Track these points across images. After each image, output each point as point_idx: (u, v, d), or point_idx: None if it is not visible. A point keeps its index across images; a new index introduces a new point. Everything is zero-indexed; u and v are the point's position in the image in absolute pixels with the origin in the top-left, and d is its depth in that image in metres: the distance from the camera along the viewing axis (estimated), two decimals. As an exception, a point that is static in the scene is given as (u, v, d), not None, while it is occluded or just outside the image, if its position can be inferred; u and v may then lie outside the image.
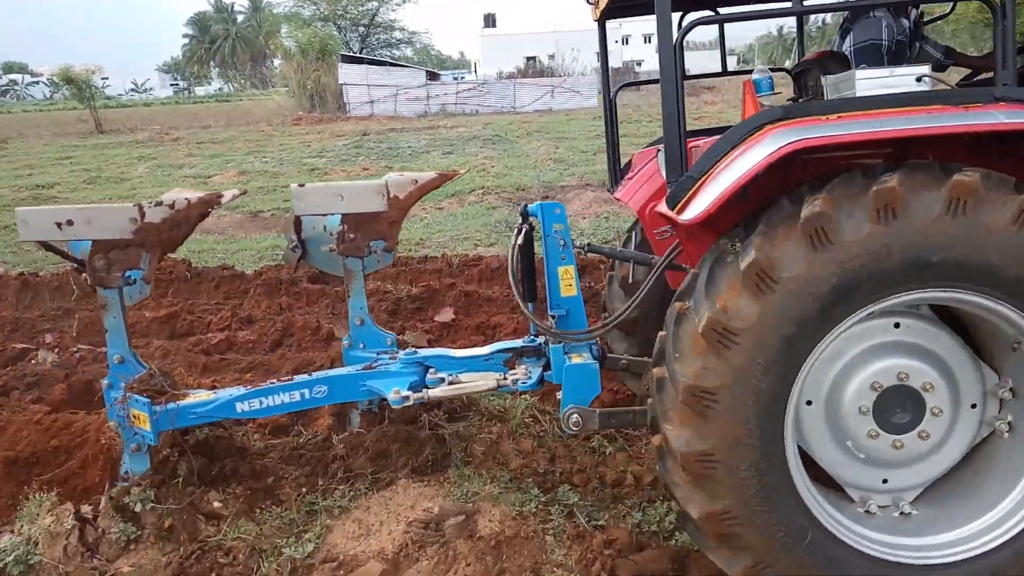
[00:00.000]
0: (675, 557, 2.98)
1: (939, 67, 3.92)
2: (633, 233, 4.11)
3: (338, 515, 3.28)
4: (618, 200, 3.98)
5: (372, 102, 34.53)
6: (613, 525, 3.22)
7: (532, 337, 3.50)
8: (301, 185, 3.34)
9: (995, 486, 2.51)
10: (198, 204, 3.10)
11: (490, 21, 70.32)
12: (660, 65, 2.50)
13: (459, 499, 3.30)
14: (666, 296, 2.92)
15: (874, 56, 3.78)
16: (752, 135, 2.35)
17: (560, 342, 3.21)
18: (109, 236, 2.98)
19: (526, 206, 3.33)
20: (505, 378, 3.30)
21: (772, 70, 3.56)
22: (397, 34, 59.04)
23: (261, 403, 3.24)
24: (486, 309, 6.23)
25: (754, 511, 2.33)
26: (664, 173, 2.82)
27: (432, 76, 42.70)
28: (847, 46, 3.95)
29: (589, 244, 3.93)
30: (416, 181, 3.51)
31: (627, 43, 73.10)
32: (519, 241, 3.27)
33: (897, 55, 3.79)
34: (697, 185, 2.41)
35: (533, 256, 3.35)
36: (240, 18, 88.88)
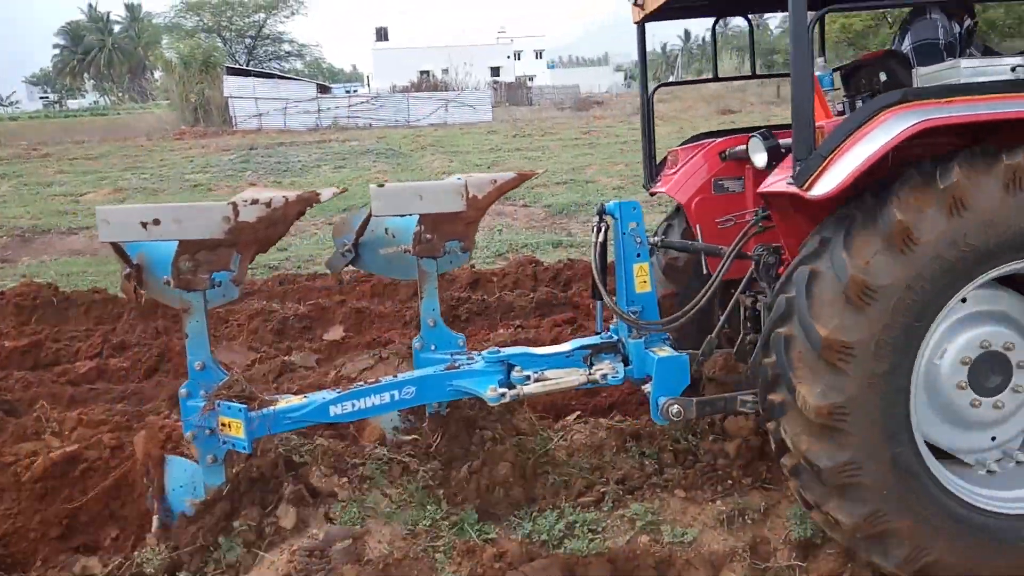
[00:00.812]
0: (565, 565, 2.99)
1: None
2: (672, 224, 4.18)
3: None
4: (654, 194, 4.21)
5: (260, 115, 33.55)
6: (503, 537, 3.21)
7: (608, 333, 3.55)
8: (380, 185, 3.19)
9: None
10: (296, 202, 2.90)
11: (382, 35, 69.88)
12: (792, 54, 2.67)
13: (346, 522, 3.20)
14: (701, 283, 3.37)
15: (932, 53, 3.91)
16: (872, 118, 2.51)
17: (642, 336, 3.33)
18: (199, 236, 2.79)
19: (603, 205, 3.44)
20: (592, 374, 3.35)
21: (846, 68, 3.89)
22: (286, 46, 57.74)
23: (354, 406, 3.17)
24: (378, 326, 6.13)
25: (877, 461, 2.49)
26: (754, 160, 3.20)
27: (323, 89, 41.94)
28: (906, 45, 4.08)
29: (662, 239, 4.01)
30: (495, 181, 3.49)
31: (519, 58, 74.25)
32: (600, 239, 3.40)
33: (950, 54, 3.93)
34: (825, 163, 2.55)
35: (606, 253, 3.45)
36: (116, 28, 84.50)
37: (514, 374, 3.31)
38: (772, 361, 2.70)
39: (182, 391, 3.05)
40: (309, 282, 7.49)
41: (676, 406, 3.12)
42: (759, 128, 3.60)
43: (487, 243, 9.67)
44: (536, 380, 3.28)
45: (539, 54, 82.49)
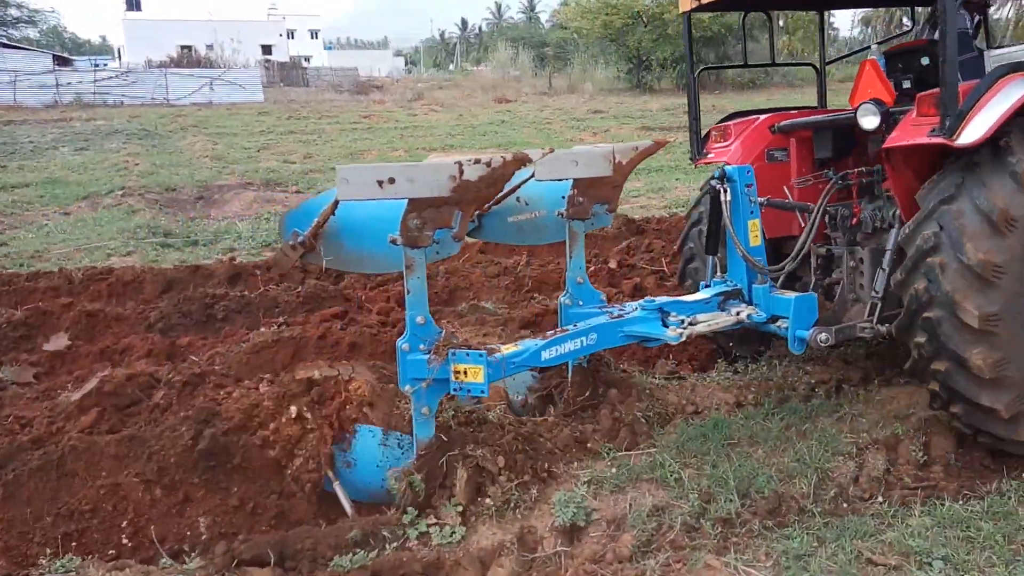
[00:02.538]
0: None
1: None
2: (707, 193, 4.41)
3: None
4: (707, 164, 4.69)
5: (-20, 88, 28.81)
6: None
7: (729, 282, 3.98)
8: (550, 150, 3.47)
9: None
10: (512, 162, 3.06)
11: (133, 3, 63.03)
12: (944, 34, 3.25)
13: None
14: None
15: (964, 42, 4.42)
16: (994, 85, 3.18)
17: (765, 282, 3.87)
18: (428, 194, 2.92)
19: (724, 169, 3.87)
20: (739, 315, 3.79)
21: (886, 54, 4.44)
22: (14, 11, 50.15)
23: (556, 351, 3.39)
24: (115, 330, 5.34)
25: (1021, 357, 3.15)
26: (865, 124, 3.73)
27: (63, 61, 37.03)
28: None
29: (768, 199, 4.21)
30: (636, 148, 3.78)
31: (292, 37, 70.87)
32: (724, 199, 3.84)
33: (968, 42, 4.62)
34: (966, 119, 3.14)
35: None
36: None
37: (670, 318, 3.67)
38: (923, 286, 3.24)
39: (403, 344, 3.13)
40: (30, 282, 6.38)
41: (824, 334, 3.64)
42: (757, 111, 4.78)
43: (252, 232, 8.92)
44: (691, 323, 3.67)
45: (314, 34, 79.22)
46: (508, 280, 6.06)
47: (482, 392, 3.14)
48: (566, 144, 17.59)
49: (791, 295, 3.80)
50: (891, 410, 3.94)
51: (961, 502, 3.12)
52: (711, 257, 4.15)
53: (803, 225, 4.33)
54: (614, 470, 3.42)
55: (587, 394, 3.86)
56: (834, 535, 2.94)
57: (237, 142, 18.11)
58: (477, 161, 2.97)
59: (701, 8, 4.53)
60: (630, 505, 3.18)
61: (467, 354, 3.09)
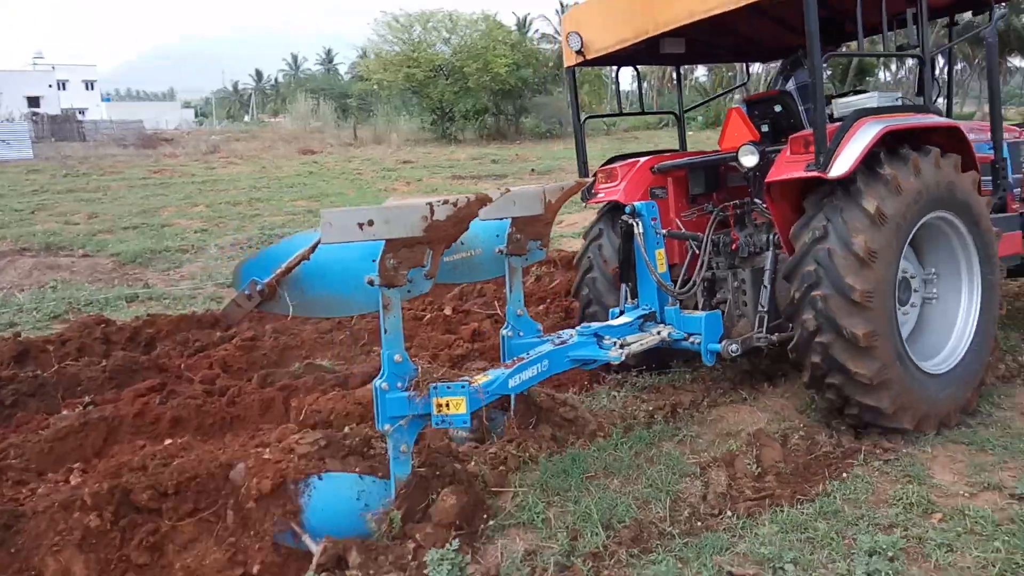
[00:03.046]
0: None
1: None
2: (601, 226, 5.09)
3: None
4: (596, 203, 5.14)
5: None
6: None
7: (644, 306, 4.40)
8: (507, 190, 3.70)
9: (937, 334, 4.39)
10: (476, 203, 3.17)
11: None
12: (814, 89, 3.90)
13: None
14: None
15: (809, 92, 4.76)
16: (852, 125, 3.84)
17: (675, 304, 4.33)
18: (403, 234, 3.01)
19: (634, 206, 4.33)
20: (660, 333, 4.21)
21: (751, 99, 5.23)
22: None
23: (520, 378, 3.53)
24: None
25: (888, 333, 3.82)
26: (746, 162, 4.31)
27: None
28: (791, 86, 5.26)
29: (668, 231, 4.74)
30: (563, 188, 4.03)
31: (64, 88, 64.97)
32: (636, 232, 4.31)
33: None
34: (834, 155, 3.77)
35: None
36: None
37: (604, 342, 3.97)
38: (811, 316, 3.82)
39: (382, 384, 3.14)
40: None
41: (734, 345, 4.11)
42: (634, 154, 5.28)
43: (35, 303, 7.91)
44: (623, 345, 3.97)
45: (90, 84, 73.14)
46: (342, 335, 5.84)
47: (464, 423, 3.20)
48: (380, 194, 17.51)
49: (701, 314, 4.26)
50: (722, 428, 4.25)
51: (796, 507, 3.40)
52: (624, 285, 4.58)
53: (681, 254, 4.98)
54: (484, 515, 3.37)
55: (532, 421, 4.11)
56: (695, 553, 3.08)
57: (5, 203, 16.12)
58: (446, 202, 3.07)
59: (583, 64, 5.09)
60: (502, 553, 3.14)
61: (448, 387, 3.16)
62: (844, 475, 3.66)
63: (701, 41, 5.39)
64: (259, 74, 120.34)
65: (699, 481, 3.67)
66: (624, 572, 3.03)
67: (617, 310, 4.50)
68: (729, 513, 3.41)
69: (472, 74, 36.80)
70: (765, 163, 4.23)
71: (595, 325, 4.14)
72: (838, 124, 3.90)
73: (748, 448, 3.92)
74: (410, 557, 3.11)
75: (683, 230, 4.99)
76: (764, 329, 4.22)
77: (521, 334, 4.08)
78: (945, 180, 4.02)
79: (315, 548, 3.00)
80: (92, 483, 3.20)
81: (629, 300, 4.55)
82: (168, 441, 4.01)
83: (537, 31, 68.56)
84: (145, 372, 5.31)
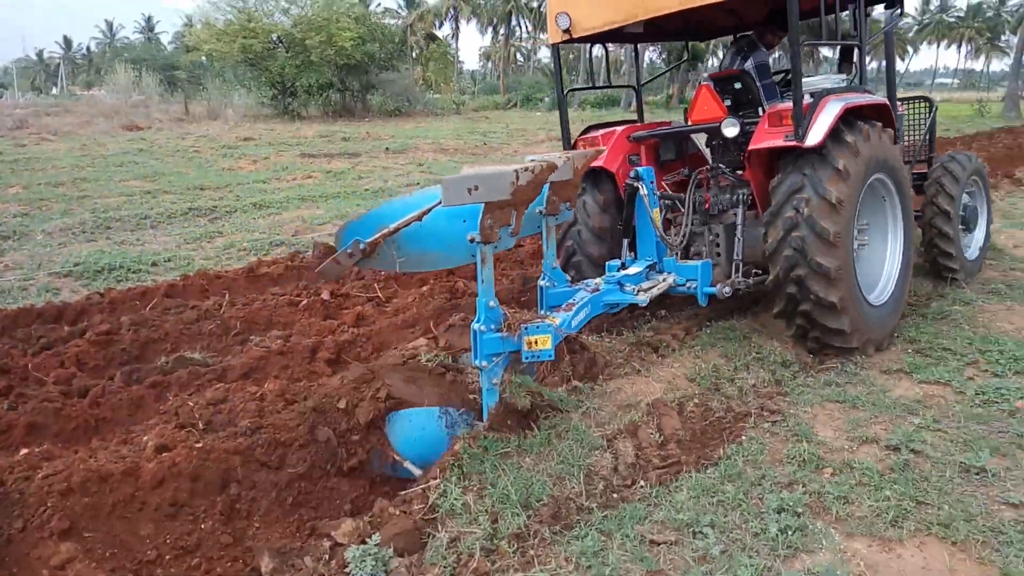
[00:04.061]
0: None
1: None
2: (596, 186, 5.68)
3: None
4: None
5: None
6: None
7: (646, 259, 5.11)
8: (567, 157, 4.12)
9: (873, 272, 5.25)
10: (548, 168, 3.68)
11: None
12: (792, 65, 4.61)
13: None
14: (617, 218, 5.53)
15: (767, 72, 5.78)
16: (820, 102, 4.61)
17: (673, 255, 5.06)
18: (498, 198, 3.39)
19: (637, 171, 5.00)
20: (666, 280, 4.87)
21: (715, 76, 5.68)
22: None
23: (578, 319, 4.18)
24: None
25: (850, 269, 4.64)
26: (729, 132, 5.03)
27: None
28: (749, 64, 5.76)
29: (662, 193, 5.49)
30: (586, 155, 4.45)
31: None
32: (642, 192, 4.96)
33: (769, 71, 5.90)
34: (808, 127, 4.51)
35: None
36: None
37: (626, 289, 4.66)
38: (791, 253, 4.56)
39: (479, 326, 3.57)
40: None
41: (727, 287, 4.83)
42: (608, 123, 6.06)
43: None
44: (642, 290, 4.66)
45: None
46: (211, 324, 5.38)
47: (550, 357, 3.75)
48: (223, 173, 16.42)
49: (698, 262, 4.95)
50: (622, 399, 4.33)
51: (703, 472, 3.54)
52: (624, 240, 5.32)
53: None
54: (396, 510, 3.23)
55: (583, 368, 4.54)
56: (616, 525, 3.12)
57: None
58: (527, 169, 3.51)
59: (568, 41, 5.53)
60: (425, 543, 3.03)
61: (537, 326, 3.68)
62: (740, 438, 3.85)
63: (661, 23, 5.76)
64: (68, 42, 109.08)
65: (608, 453, 3.72)
66: (550, 550, 3.02)
67: (617, 263, 5.07)
68: (642, 483, 3.49)
69: (315, 47, 35.25)
70: (743, 135, 5.08)
71: (617, 275, 4.80)
72: (810, 102, 4.66)
73: (648, 418, 4.03)
74: (327, 556, 2.94)
75: (668, 192, 5.75)
76: (741, 274, 4.96)
77: (555, 284, 4.52)
78: (883, 148, 4.88)
79: (416, 472, 3.54)
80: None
81: (628, 254, 5.28)
82: (24, 451, 3.52)
83: (380, 4, 66.85)
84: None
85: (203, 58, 39.18)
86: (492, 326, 3.61)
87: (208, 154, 20.22)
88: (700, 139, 6.22)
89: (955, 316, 5.58)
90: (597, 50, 7.71)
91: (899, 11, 5.81)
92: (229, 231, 10.27)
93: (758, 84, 5.61)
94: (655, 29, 5.92)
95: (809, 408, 4.18)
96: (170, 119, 33.37)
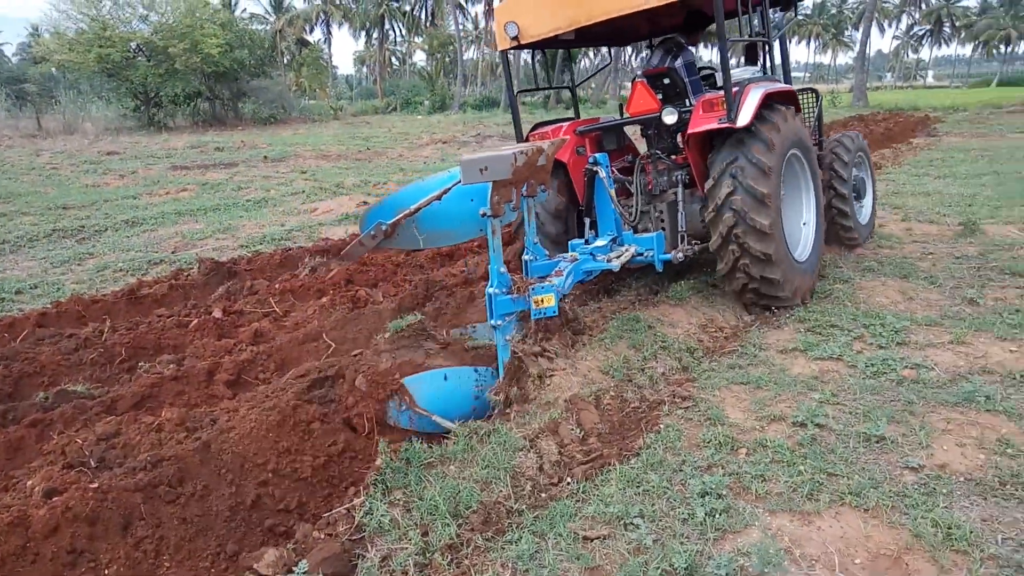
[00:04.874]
0: None
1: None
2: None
3: None
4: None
5: None
6: None
7: (608, 234, 5.67)
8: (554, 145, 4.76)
9: (794, 234, 5.94)
10: (537, 152, 4.34)
11: None
12: (722, 61, 5.19)
13: None
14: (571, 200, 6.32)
15: (694, 69, 6.29)
16: (743, 89, 5.29)
17: (628, 229, 5.75)
18: (503, 177, 4.00)
19: (595, 157, 5.64)
20: (628, 251, 5.39)
21: (648, 73, 6.20)
22: None
23: (567, 284, 4.60)
24: None
25: (780, 226, 5.35)
26: (669, 119, 5.72)
27: None
28: (679, 63, 6.21)
29: (618, 175, 6.28)
30: (554, 144, 4.81)
31: None
32: (601, 175, 5.60)
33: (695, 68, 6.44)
34: (737, 112, 5.16)
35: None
36: None
37: (599, 258, 5.13)
38: (730, 215, 5.22)
39: (492, 289, 4.14)
40: None
41: (680, 254, 5.51)
42: (555, 120, 6.72)
43: None
44: (612, 258, 5.14)
45: None
46: (93, 353, 4.96)
47: (554, 313, 4.22)
48: (88, 190, 15.30)
49: (653, 234, 5.53)
50: (540, 398, 4.33)
51: (625, 463, 3.58)
52: (587, 220, 6.00)
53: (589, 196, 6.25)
54: (321, 534, 3.08)
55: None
56: (548, 525, 3.11)
57: None
58: (522, 152, 4.13)
59: (515, 48, 5.98)
60: (355, 565, 2.90)
61: (542, 287, 4.20)
62: (657, 427, 3.93)
63: (592, 30, 6.11)
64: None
65: (532, 453, 3.70)
66: (485, 558, 2.97)
67: (579, 241, 5.57)
68: (568, 480, 3.49)
69: (179, 55, 33.50)
70: (679, 123, 5.70)
71: (588, 246, 5.35)
72: (736, 89, 5.25)
73: (568, 414, 4.04)
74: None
75: (617, 175, 6.36)
76: (687, 244, 5.70)
77: (536, 258, 4.90)
78: (796, 128, 5.63)
79: (450, 425, 3.88)
80: None
81: (589, 232, 5.90)
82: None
83: (245, 10, 64.30)
84: None
85: (53, 70, 36.41)
86: (504, 289, 4.15)
87: (68, 171, 18.80)
88: (631, 131, 6.83)
89: (837, 294, 5.95)
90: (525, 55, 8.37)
91: (794, 12, 6.68)
92: (101, 251, 9.57)
93: (686, 80, 6.21)
94: (586, 35, 6.31)
95: (717, 392, 4.32)
96: (21, 135, 30.86)
